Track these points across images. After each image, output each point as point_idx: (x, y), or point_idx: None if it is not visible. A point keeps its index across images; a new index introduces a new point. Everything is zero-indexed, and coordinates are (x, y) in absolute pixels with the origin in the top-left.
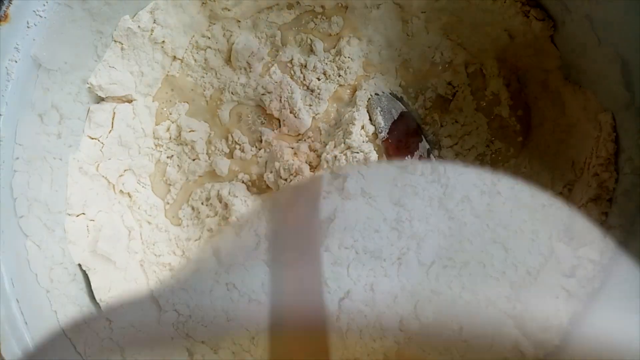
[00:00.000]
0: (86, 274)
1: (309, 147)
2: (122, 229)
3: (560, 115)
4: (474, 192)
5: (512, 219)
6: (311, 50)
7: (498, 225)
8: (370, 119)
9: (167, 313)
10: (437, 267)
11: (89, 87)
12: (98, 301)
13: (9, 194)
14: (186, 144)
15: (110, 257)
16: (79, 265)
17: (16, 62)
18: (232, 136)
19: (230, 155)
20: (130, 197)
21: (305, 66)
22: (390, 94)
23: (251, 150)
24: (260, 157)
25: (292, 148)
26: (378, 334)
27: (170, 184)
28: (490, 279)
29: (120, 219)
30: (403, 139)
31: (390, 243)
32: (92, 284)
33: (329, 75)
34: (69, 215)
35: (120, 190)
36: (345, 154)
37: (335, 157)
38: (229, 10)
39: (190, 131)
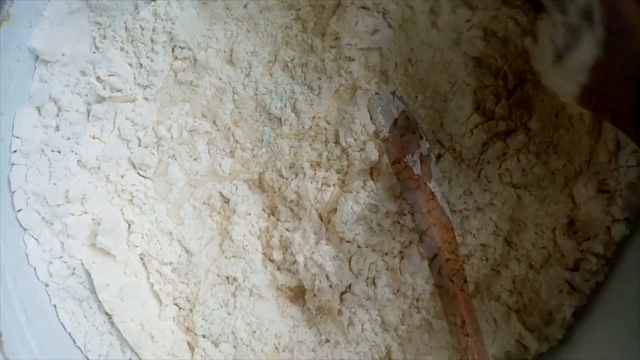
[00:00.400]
0: (86, 267)
1: (310, 146)
2: (121, 222)
3: (561, 112)
4: (475, 187)
5: (515, 213)
6: (312, 50)
7: (501, 219)
8: (371, 118)
9: (167, 307)
10: (439, 261)
11: (91, 86)
12: (99, 297)
13: (6, 188)
14: (187, 144)
15: (109, 251)
16: (81, 263)
17: (18, 61)
18: (233, 135)
19: (232, 154)
20: (131, 196)
21: (306, 65)
22: (390, 93)
23: (252, 149)
24: (261, 156)
25: (294, 147)
26: (380, 328)
27: (171, 184)
28: (493, 273)
29: (119, 212)
30: (404, 137)
31: (392, 236)
32: (93, 279)
33: (330, 75)
34: (69, 209)
35: (122, 190)
36: (347, 153)
37: (337, 156)
38: (230, 9)
39: (191, 131)
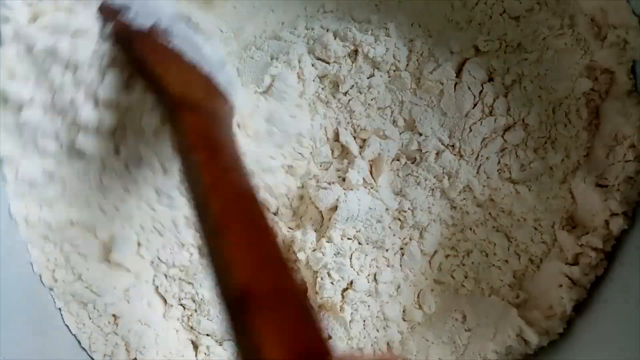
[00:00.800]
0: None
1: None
2: (132, 235)
3: (558, 108)
4: (475, 183)
5: (514, 208)
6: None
7: (501, 214)
8: None
9: (173, 308)
10: (439, 257)
11: None
12: (105, 300)
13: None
14: None
15: (122, 264)
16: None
17: None
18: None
19: None
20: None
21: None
22: None
23: None
24: None
25: None
26: (381, 324)
27: (177, 188)
28: (493, 268)
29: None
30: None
31: (393, 233)
32: (99, 284)
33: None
34: None
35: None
36: (347, 150)
37: (337, 154)
38: None
39: None
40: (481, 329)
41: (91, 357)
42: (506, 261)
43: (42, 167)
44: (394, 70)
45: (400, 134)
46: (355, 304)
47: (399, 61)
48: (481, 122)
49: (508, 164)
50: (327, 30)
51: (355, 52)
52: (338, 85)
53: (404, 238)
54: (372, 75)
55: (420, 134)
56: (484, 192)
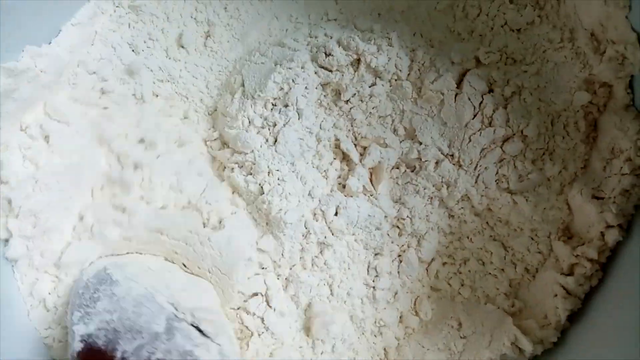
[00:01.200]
0: None
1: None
2: None
3: (557, 120)
4: (473, 192)
5: (512, 218)
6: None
7: (498, 224)
8: None
9: None
10: (436, 264)
11: None
12: None
13: None
14: None
15: None
16: None
17: None
18: None
19: None
20: None
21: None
22: None
23: None
24: None
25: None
26: (379, 330)
27: None
28: (489, 276)
29: None
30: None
31: (391, 240)
32: None
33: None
34: None
35: None
36: (347, 158)
37: (338, 161)
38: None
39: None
40: (476, 336)
41: None
42: (502, 270)
43: None
44: (396, 80)
45: (401, 142)
46: (353, 309)
47: (400, 70)
48: (480, 133)
49: (506, 174)
50: (331, 38)
51: (358, 61)
52: (340, 94)
53: (402, 245)
54: (373, 84)
55: (420, 143)
56: (481, 201)
